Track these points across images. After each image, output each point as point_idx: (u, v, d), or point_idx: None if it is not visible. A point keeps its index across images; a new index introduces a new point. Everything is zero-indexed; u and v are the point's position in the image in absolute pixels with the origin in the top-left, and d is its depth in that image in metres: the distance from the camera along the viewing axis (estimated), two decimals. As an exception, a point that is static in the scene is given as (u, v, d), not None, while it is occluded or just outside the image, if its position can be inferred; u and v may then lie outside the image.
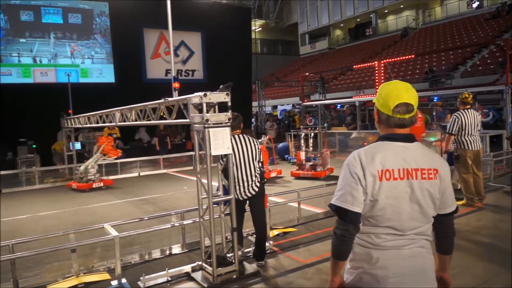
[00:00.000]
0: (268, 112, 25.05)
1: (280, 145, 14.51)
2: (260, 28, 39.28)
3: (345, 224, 1.79)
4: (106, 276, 4.44)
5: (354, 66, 20.49)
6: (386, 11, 33.73)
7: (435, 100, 15.61)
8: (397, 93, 1.83)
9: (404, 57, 18.49)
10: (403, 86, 1.86)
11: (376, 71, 13.66)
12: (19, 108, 13.65)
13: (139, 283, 4.18)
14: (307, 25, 39.12)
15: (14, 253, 4.29)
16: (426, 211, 1.81)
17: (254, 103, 21.54)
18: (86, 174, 10.37)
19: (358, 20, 35.67)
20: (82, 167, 10.44)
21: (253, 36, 22.35)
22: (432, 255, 1.87)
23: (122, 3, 16.21)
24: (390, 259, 1.78)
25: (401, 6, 32.40)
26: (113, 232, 4.45)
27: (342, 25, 37.52)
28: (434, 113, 15.26)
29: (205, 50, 18.65)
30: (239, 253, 4.44)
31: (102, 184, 10.50)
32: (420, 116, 5.74)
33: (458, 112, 6.44)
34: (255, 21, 25.71)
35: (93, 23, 16.28)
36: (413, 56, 20.78)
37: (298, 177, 10.43)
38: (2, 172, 10.93)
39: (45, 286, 4.27)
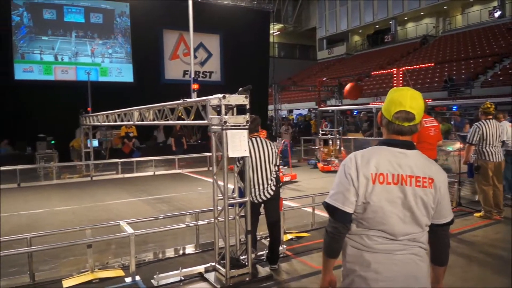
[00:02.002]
0: (284, 116, 25.02)
1: None
2: (278, 32, 39.32)
3: (335, 223, 1.85)
4: (120, 272, 4.49)
5: (372, 73, 20.36)
6: (405, 18, 33.44)
7: (453, 109, 15.40)
8: (401, 100, 1.83)
9: (423, 65, 18.31)
10: (409, 94, 1.85)
11: (395, 78, 13.54)
12: (40, 104, 13.94)
13: (152, 281, 4.21)
14: (325, 30, 39.03)
15: (32, 246, 4.37)
16: (418, 218, 1.80)
17: (270, 107, 21.57)
18: None
19: (377, 26, 35.43)
20: None
21: (271, 39, 22.39)
22: (426, 264, 1.86)
23: (142, 4, 16.44)
24: (382, 263, 1.78)
25: (421, 14, 32.09)
26: (129, 230, 4.50)
27: (360, 31, 37.34)
28: (452, 122, 15.04)
29: (223, 52, 18.78)
30: (253, 256, 4.44)
31: None
32: (436, 124, 5.68)
33: (480, 122, 6.34)
34: (273, 25, 25.72)
35: (114, 23, 16.54)
36: (432, 64, 20.57)
37: (329, 171, 12.01)
38: (21, 167, 11.13)
39: (60, 280, 4.34)
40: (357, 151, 1.89)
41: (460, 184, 7.17)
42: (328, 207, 1.87)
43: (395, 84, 13.63)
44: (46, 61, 15.38)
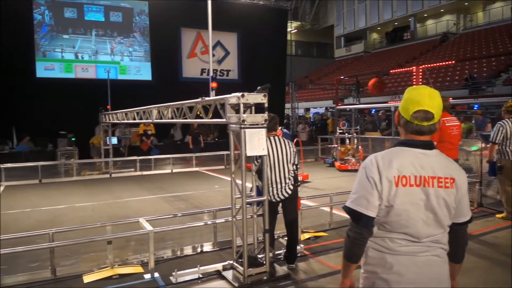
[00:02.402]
0: (301, 114, 24.92)
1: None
2: (296, 30, 39.15)
3: (359, 228, 1.80)
4: (140, 269, 4.54)
5: (391, 71, 20.09)
6: (425, 15, 32.89)
7: (475, 108, 15.11)
8: (419, 99, 1.80)
9: (443, 63, 17.99)
10: (427, 92, 1.82)
11: (414, 77, 13.35)
12: (60, 102, 14.19)
13: (171, 278, 4.25)
14: (343, 28, 38.70)
15: (54, 242, 4.46)
16: (441, 220, 1.78)
17: (287, 105, 21.51)
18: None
19: (396, 23, 34.95)
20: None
21: (288, 37, 22.32)
22: (447, 265, 1.84)
23: (161, 3, 16.58)
24: (405, 265, 1.76)
25: (441, 10, 31.52)
26: (148, 227, 4.55)
27: (379, 28, 36.89)
28: (473, 121, 14.76)
29: (240, 51, 18.80)
30: (270, 254, 4.44)
31: None
32: (458, 123, 5.57)
33: (503, 120, 6.19)
34: (291, 22, 25.66)
35: (133, 22, 16.73)
36: (453, 62, 20.20)
37: (346, 170, 12.09)
38: (42, 163, 11.35)
39: (81, 275, 4.41)
40: (377, 153, 1.85)
41: (481, 185, 7.03)
42: (351, 212, 1.82)
43: (414, 83, 13.43)
44: (66, 59, 15.66)
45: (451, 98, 13.82)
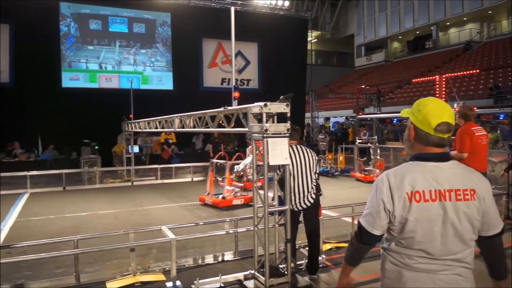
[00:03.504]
0: (321, 123, 24.81)
1: None
2: (316, 39, 39.16)
3: (361, 241, 1.88)
4: (162, 277, 4.57)
5: (413, 80, 19.85)
6: (448, 23, 32.45)
7: (500, 118, 14.75)
8: (440, 112, 1.77)
9: (467, 72, 17.66)
10: (444, 104, 1.82)
11: (437, 86, 13.15)
12: (84, 111, 14.49)
13: (193, 286, 4.26)
14: (363, 37, 38.51)
15: (78, 248, 4.53)
16: (462, 235, 1.71)
17: (307, 114, 21.46)
18: (246, 174, 10.13)
19: (418, 32, 34.58)
20: (240, 167, 10.06)
21: (308, 47, 22.33)
22: (470, 284, 1.75)
23: (183, 14, 16.84)
24: (423, 282, 1.71)
25: (464, 19, 31.04)
26: (170, 235, 4.57)
27: (400, 37, 36.56)
28: (498, 131, 14.42)
29: (261, 60, 18.91)
30: (292, 265, 4.40)
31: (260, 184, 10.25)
32: (485, 133, 5.42)
33: None
34: (311, 32, 25.67)
35: (156, 33, 17.03)
36: (477, 71, 19.81)
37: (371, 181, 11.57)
38: (66, 171, 11.59)
39: (104, 282, 4.46)
40: (390, 170, 1.83)
41: (508, 197, 6.83)
42: (360, 227, 1.88)
43: (437, 92, 13.22)
44: (91, 69, 16.04)
45: (475, 108, 13.55)
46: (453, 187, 1.73)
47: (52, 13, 15.22)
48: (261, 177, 4.20)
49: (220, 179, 9.13)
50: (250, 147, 10.88)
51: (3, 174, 10.98)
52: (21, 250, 5.21)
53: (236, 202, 8.66)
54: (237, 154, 10.33)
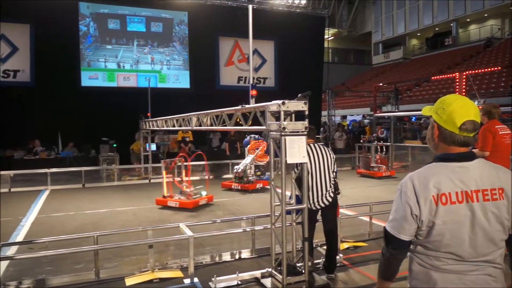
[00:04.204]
0: (338, 122, 24.65)
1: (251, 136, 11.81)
2: (332, 37, 38.87)
3: (392, 249, 1.79)
4: (179, 273, 4.61)
5: (432, 78, 19.52)
6: (468, 20, 31.81)
7: (523, 116, 14.39)
8: (465, 110, 1.72)
9: (488, 69, 17.29)
10: (470, 102, 1.75)
11: (457, 83, 12.90)
12: (103, 109, 14.71)
13: (210, 283, 4.28)
14: (381, 34, 38.06)
15: (98, 245, 4.60)
16: (492, 236, 1.66)
17: (324, 112, 21.34)
18: (246, 175, 10.38)
19: (437, 29, 34.01)
20: (240, 167, 10.35)
21: (325, 45, 22.19)
22: (501, 284, 1.71)
23: (200, 13, 16.91)
24: (451, 283, 1.67)
25: (485, 15, 30.37)
26: (188, 232, 4.61)
27: (418, 34, 36.00)
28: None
29: (277, 58, 18.88)
30: (309, 263, 4.38)
31: (261, 185, 10.49)
32: (509, 132, 5.26)
33: None
34: (328, 29, 25.49)
35: (173, 32, 17.15)
36: (498, 68, 19.37)
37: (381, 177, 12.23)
38: (85, 168, 11.78)
39: (123, 278, 4.52)
40: (413, 173, 1.78)
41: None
42: (386, 233, 1.82)
43: (457, 90, 12.97)
44: (109, 68, 16.25)
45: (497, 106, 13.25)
46: (480, 187, 1.68)
47: (71, 13, 15.47)
48: (264, 178, 4.20)
49: (178, 179, 8.89)
50: (248, 146, 10.92)
51: (24, 171, 11.25)
52: (42, 246, 5.32)
53: (202, 202, 8.60)
54: (196, 153, 10.10)
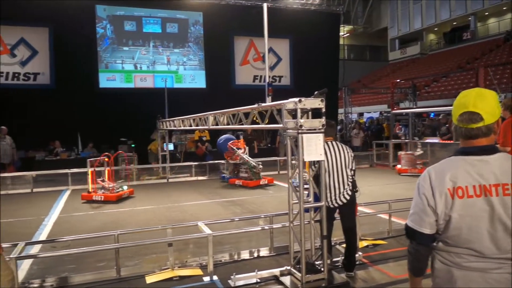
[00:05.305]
0: (354, 119, 24.46)
1: (222, 139, 12.12)
2: (348, 34, 38.55)
3: (416, 245, 1.78)
4: (199, 271, 4.65)
5: (451, 73, 19.16)
6: (486, 13, 31.15)
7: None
8: (464, 101, 1.71)
9: (509, 63, 16.88)
10: (475, 93, 1.73)
11: (477, 78, 12.66)
12: (121, 110, 14.93)
13: (229, 281, 4.31)
14: (397, 30, 37.56)
15: (119, 243, 4.68)
16: None
17: (340, 110, 21.21)
18: (258, 171, 10.76)
19: (455, 23, 33.40)
20: (252, 164, 10.70)
21: (340, 42, 22.04)
22: None
23: (215, 12, 17.01)
24: (474, 281, 1.64)
25: (504, 8, 29.67)
26: (207, 230, 4.65)
27: (436, 29, 35.42)
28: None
29: (292, 57, 18.84)
30: (328, 261, 4.37)
31: (266, 182, 11.01)
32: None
33: None
34: (343, 26, 25.30)
35: (188, 32, 17.27)
36: (519, 61, 18.91)
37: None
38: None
39: (143, 276, 4.59)
40: (431, 166, 1.79)
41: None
42: (407, 229, 1.82)
43: (477, 85, 12.74)
44: (127, 70, 16.46)
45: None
46: (500, 181, 1.65)
47: (88, 16, 15.73)
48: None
49: (100, 179, 9.51)
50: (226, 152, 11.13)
51: (46, 172, 11.50)
52: (64, 244, 5.45)
53: (124, 195, 9.53)
54: (118, 152, 10.89)
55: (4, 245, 3.70)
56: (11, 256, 4.02)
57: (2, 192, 10.62)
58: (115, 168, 12.63)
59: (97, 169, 9.39)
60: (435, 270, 1.79)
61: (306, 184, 4.38)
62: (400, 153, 12.81)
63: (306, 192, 4.40)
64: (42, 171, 11.63)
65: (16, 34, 14.93)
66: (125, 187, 9.75)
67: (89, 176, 9.25)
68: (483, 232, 1.63)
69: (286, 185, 4.46)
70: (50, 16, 14.76)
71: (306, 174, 4.33)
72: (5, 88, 14.52)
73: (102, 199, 9.11)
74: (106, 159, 9.49)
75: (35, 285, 4.46)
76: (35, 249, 5.49)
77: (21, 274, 4.69)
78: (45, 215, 7.97)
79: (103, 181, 9.44)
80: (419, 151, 12.34)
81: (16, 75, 15.05)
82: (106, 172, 9.53)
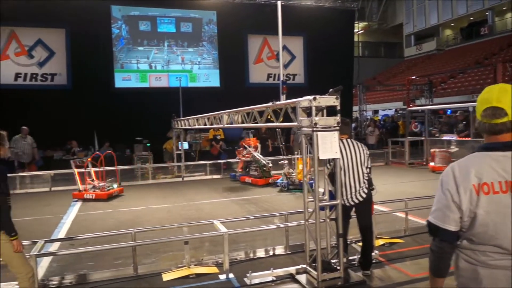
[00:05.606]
0: (369, 117, 24.26)
1: None
2: (362, 31, 38.18)
3: (439, 242, 1.75)
4: (215, 269, 4.67)
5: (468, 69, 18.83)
6: (504, 8, 30.49)
7: None
8: (488, 97, 1.70)
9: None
10: (498, 88, 1.71)
11: (495, 74, 12.43)
12: (136, 110, 15.09)
13: (245, 279, 4.33)
14: (413, 26, 37.06)
15: (136, 241, 4.73)
16: None
17: (355, 107, 21.05)
18: (268, 170, 10.86)
19: (472, 18, 32.81)
20: (262, 162, 10.81)
21: (355, 38, 21.86)
22: None
23: (228, 11, 17.04)
24: (500, 280, 1.62)
25: (523, 2, 29.04)
26: (223, 229, 4.67)
27: (452, 24, 34.84)
28: None
29: (306, 54, 18.76)
30: (344, 260, 4.35)
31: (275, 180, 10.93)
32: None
33: None
34: (357, 23, 25.07)
35: (202, 31, 17.34)
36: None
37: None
38: (121, 167, 12.08)
39: (160, 273, 4.63)
40: (455, 162, 1.76)
41: None
42: (429, 226, 1.79)
43: (495, 81, 12.50)
44: (142, 69, 16.62)
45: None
46: None
47: (104, 17, 15.92)
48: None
49: (91, 179, 9.92)
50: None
51: (64, 171, 11.68)
52: (83, 242, 5.53)
53: (115, 193, 9.82)
54: (95, 152, 11.16)
55: (24, 242, 3.78)
56: (31, 254, 4.10)
57: (22, 191, 10.86)
58: (132, 166, 12.87)
59: (86, 169, 10.00)
60: (459, 269, 1.76)
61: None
62: (433, 150, 12.49)
63: (321, 190, 4.38)
64: (60, 170, 11.82)
65: (34, 36, 15.20)
66: (115, 186, 10.10)
67: (76, 176, 9.71)
68: (508, 229, 1.62)
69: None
70: (67, 17, 14.98)
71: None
72: (23, 89, 14.82)
73: (93, 197, 9.40)
74: (89, 159, 10.09)
75: (54, 282, 4.54)
76: (54, 247, 5.58)
77: (41, 271, 4.77)
78: (63, 213, 8.11)
79: (93, 180, 9.82)
80: (454, 148, 12.06)
81: (34, 76, 15.32)
82: (92, 172, 9.99)
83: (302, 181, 9.84)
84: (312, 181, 4.23)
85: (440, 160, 12.04)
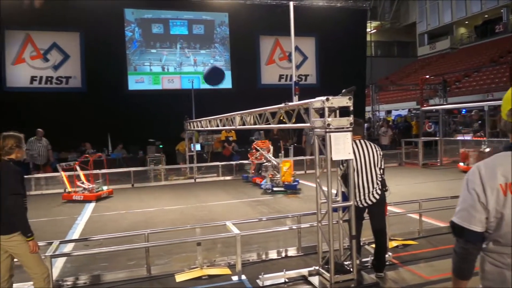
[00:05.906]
0: (382, 117, 24.06)
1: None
2: (375, 30, 37.90)
3: (464, 243, 1.70)
4: (227, 271, 4.68)
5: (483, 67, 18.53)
6: (520, 4, 30.00)
7: None
8: None
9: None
10: None
11: (511, 72, 12.22)
12: (149, 112, 15.21)
13: (257, 281, 4.32)
14: (426, 24, 36.64)
15: (149, 242, 4.76)
16: None
17: (367, 108, 20.90)
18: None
19: (486, 16, 32.31)
20: (274, 164, 10.60)
21: (367, 38, 21.71)
22: None
23: (240, 13, 17.07)
24: None
25: (539, -1, 28.52)
26: (235, 230, 4.67)
27: (466, 22, 34.36)
28: None
29: (318, 55, 18.70)
30: (357, 262, 4.31)
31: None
32: None
33: None
34: (370, 23, 24.91)
35: (214, 33, 17.41)
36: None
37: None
38: (134, 169, 12.20)
39: (173, 274, 4.65)
40: (480, 162, 1.73)
41: None
42: (454, 227, 1.74)
43: (506, 79, 12.27)
44: (154, 72, 16.76)
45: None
46: None
47: (117, 20, 16.10)
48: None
49: (80, 182, 10.07)
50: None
51: (78, 173, 11.80)
52: (97, 243, 5.59)
53: (104, 194, 10.08)
54: (81, 155, 11.59)
55: (40, 243, 3.83)
56: (46, 254, 4.15)
57: (37, 192, 11.02)
58: (145, 168, 12.98)
59: (75, 172, 10.19)
60: (485, 272, 1.73)
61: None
62: (464, 150, 12.22)
63: (334, 191, 4.36)
64: (74, 172, 11.94)
65: (49, 39, 15.44)
66: (104, 188, 10.36)
67: (64, 179, 10.01)
68: None
69: (312, 185, 4.42)
70: (81, 21, 15.19)
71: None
72: (39, 91, 15.05)
73: (82, 199, 9.64)
74: (77, 163, 10.21)
75: (69, 283, 4.59)
76: (68, 248, 5.65)
77: (55, 271, 4.83)
78: (78, 215, 8.21)
79: (82, 183, 10.03)
80: (486, 148, 11.85)
81: (49, 79, 15.56)
82: (81, 175, 10.17)
83: (286, 183, 10.07)
84: (296, 183, 4.20)
85: (474, 161, 11.74)
